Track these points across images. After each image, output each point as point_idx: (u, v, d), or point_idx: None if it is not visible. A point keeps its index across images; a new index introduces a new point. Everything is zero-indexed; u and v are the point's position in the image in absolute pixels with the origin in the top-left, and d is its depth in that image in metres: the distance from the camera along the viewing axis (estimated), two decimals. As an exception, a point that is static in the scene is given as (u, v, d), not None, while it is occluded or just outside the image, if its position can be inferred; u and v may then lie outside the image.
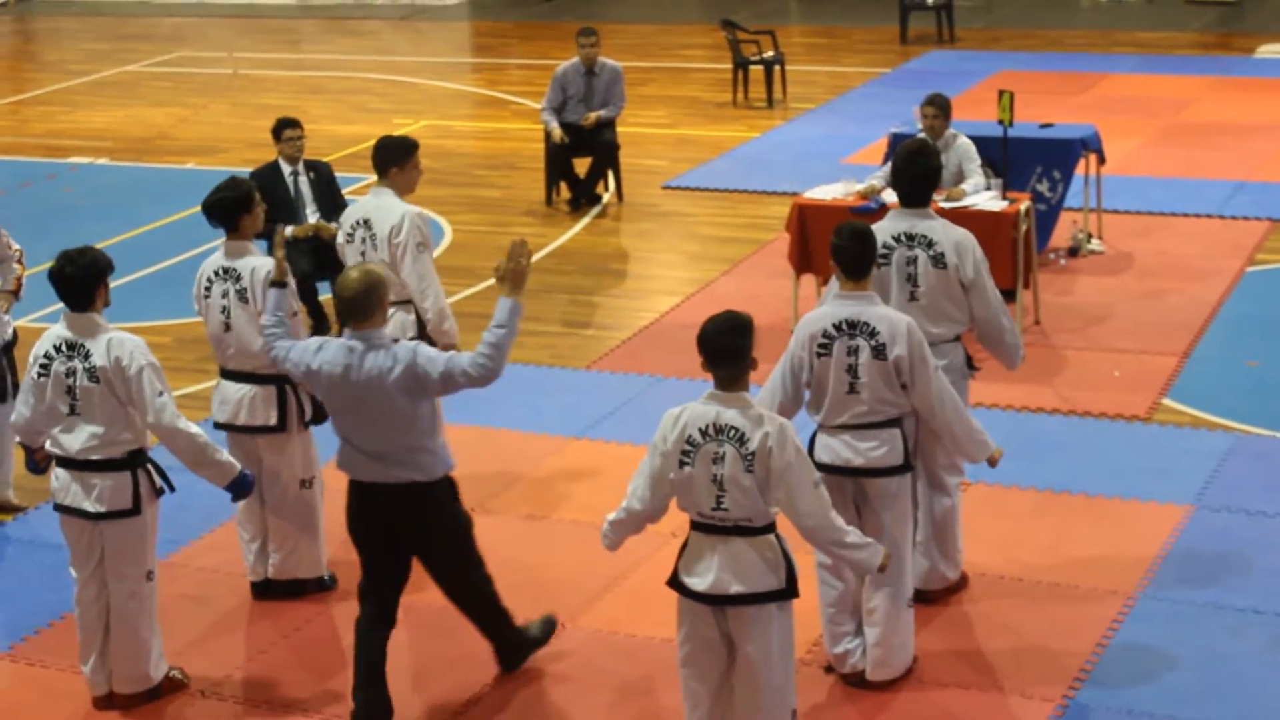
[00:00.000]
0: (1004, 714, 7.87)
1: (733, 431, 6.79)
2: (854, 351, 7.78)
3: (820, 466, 7.62)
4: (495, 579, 9.35)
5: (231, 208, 8.88)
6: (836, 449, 7.84)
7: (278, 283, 8.28)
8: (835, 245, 7.82)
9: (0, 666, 8.69)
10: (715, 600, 6.98)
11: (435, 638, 8.76)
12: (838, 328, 7.78)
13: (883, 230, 8.47)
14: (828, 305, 7.90)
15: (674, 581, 7.10)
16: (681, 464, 6.83)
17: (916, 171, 8.60)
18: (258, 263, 8.87)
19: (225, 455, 8.20)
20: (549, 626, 8.58)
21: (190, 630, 8.84)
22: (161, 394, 7.95)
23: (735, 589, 6.92)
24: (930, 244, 8.51)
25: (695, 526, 6.99)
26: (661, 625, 8.60)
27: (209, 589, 9.34)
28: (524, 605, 8.99)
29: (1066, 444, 10.70)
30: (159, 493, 8.18)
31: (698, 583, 6.97)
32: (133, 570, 8.12)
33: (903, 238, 8.51)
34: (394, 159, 9.67)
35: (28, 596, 9.37)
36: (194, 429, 8.05)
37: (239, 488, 8.25)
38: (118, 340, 7.96)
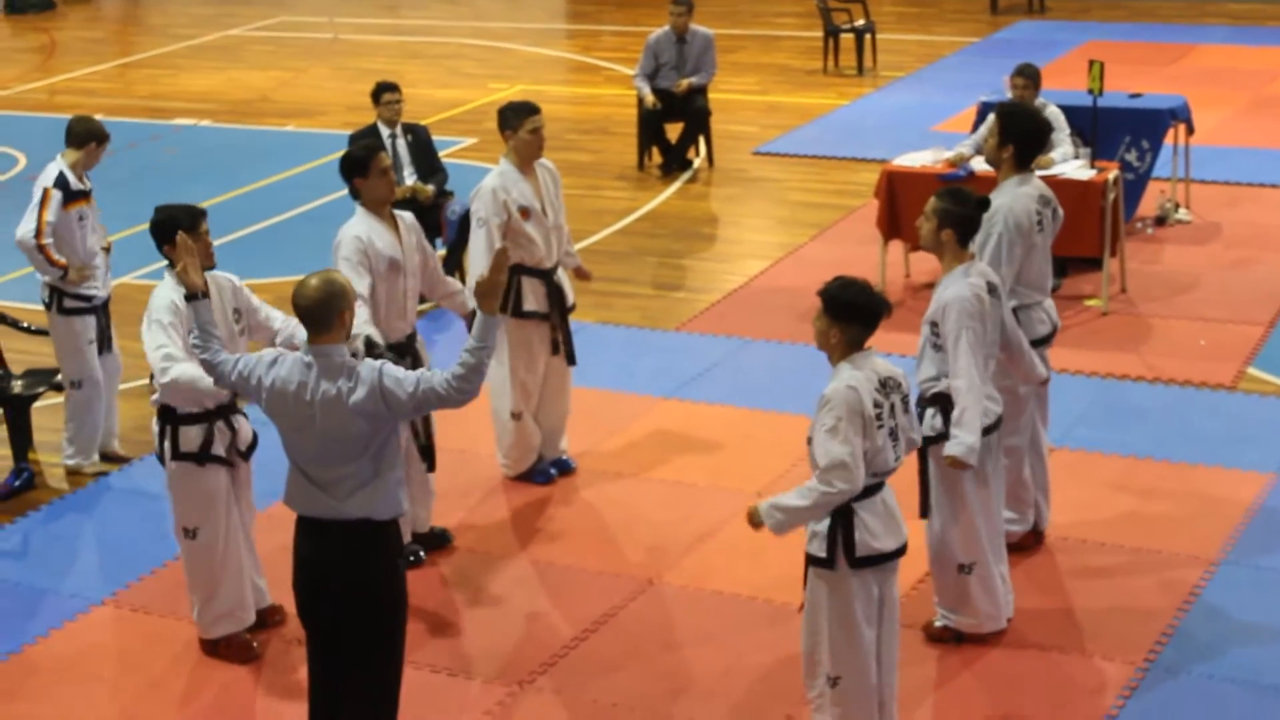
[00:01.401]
0: (1087, 675, 7.95)
1: (892, 381, 6.94)
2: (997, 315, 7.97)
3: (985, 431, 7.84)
4: (587, 534, 9.53)
5: None
6: (990, 405, 7.94)
7: (194, 295, 7.09)
8: (958, 214, 7.77)
9: (104, 612, 8.92)
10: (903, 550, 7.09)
11: (521, 591, 8.92)
12: (991, 293, 7.86)
13: (1032, 199, 8.61)
14: (971, 278, 7.78)
15: (863, 558, 6.93)
16: (879, 426, 6.87)
17: (1040, 130, 8.76)
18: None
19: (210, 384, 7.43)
20: None
21: (287, 579, 8.99)
22: (160, 347, 7.78)
23: (905, 529, 7.11)
24: (1054, 202, 8.77)
25: (864, 492, 6.91)
26: (745, 582, 8.76)
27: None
28: (613, 561, 9.17)
29: (1151, 411, 10.76)
30: (183, 457, 8.07)
31: (892, 542, 7.00)
32: (174, 520, 8.30)
33: (1040, 201, 8.67)
34: (506, 123, 9.65)
35: (130, 545, 9.59)
36: (178, 372, 7.72)
37: None
38: (151, 295, 8.05)
